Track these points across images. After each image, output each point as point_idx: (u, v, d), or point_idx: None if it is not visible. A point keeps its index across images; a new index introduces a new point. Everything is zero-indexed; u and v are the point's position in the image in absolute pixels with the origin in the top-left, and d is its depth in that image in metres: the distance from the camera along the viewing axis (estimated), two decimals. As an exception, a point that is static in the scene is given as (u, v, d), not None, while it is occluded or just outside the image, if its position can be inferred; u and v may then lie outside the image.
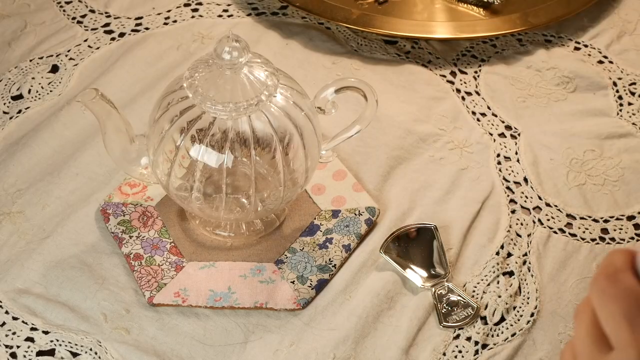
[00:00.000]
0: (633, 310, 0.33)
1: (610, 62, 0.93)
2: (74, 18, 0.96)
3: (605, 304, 0.35)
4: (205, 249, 0.72)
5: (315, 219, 0.75)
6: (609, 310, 0.34)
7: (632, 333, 0.33)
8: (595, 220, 0.77)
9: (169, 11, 0.98)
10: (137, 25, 0.96)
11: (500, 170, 0.81)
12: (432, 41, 0.94)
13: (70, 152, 0.81)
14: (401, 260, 0.71)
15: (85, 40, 0.93)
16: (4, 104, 0.86)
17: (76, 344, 0.67)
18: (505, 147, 0.83)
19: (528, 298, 0.71)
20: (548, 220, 0.77)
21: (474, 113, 0.87)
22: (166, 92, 0.68)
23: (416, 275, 0.71)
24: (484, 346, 0.68)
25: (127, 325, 0.68)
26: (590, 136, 0.84)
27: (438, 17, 0.95)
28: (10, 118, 0.84)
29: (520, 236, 0.75)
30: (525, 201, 0.78)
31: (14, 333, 0.67)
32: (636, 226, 0.77)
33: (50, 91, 0.87)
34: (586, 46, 0.95)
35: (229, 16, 0.97)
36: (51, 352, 0.66)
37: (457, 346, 0.68)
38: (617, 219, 0.78)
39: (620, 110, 0.88)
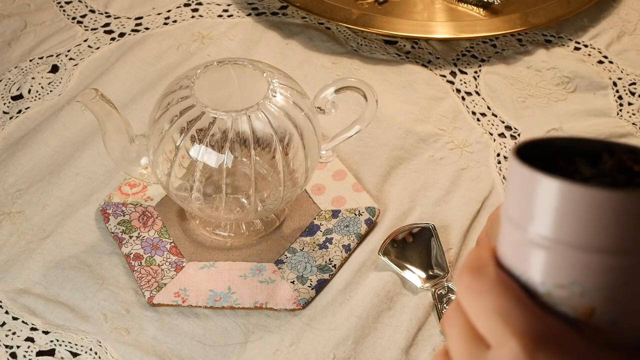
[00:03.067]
0: (504, 302, 0.32)
1: (610, 62, 0.93)
2: (74, 18, 0.96)
3: (474, 300, 0.33)
4: (205, 249, 0.72)
5: (315, 219, 0.75)
6: (479, 306, 0.33)
7: (507, 326, 0.31)
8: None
9: (169, 11, 0.98)
10: (137, 25, 0.96)
11: (500, 170, 0.81)
12: (432, 41, 0.94)
13: (70, 152, 0.81)
14: (400, 262, 0.71)
15: (85, 40, 0.93)
16: (4, 104, 0.86)
17: (76, 344, 0.67)
18: (505, 147, 0.83)
19: (528, 298, 0.71)
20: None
21: (474, 113, 0.87)
22: (166, 92, 0.68)
23: (415, 276, 0.71)
24: (484, 346, 0.68)
25: (127, 325, 0.68)
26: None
27: (438, 17, 0.95)
28: (10, 118, 0.84)
29: (520, 236, 0.75)
30: (525, 201, 0.78)
31: (14, 333, 0.67)
32: (636, 226, 0.77)
33: (50, 91, 0.87)
34: (586, 46, 0.95)
35: (229, 16, 0.97)
36: (51, 352, 0.66)
37: None
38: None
39: (620, 110, 0.88)
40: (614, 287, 0.32)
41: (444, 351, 0.36)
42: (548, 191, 0.31)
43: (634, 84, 0.91)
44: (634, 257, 0.31)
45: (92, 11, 0.97)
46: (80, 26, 0.95)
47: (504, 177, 0.81)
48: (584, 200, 0.31)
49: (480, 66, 0.92)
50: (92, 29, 0.95)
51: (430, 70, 0.91)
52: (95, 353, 0.66)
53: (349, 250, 0.73)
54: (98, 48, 0.92)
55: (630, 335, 0.33)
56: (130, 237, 0.73)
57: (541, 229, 0.32)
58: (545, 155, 0.35)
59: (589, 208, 0.31)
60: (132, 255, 0.72)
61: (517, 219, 0.33)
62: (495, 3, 0.95)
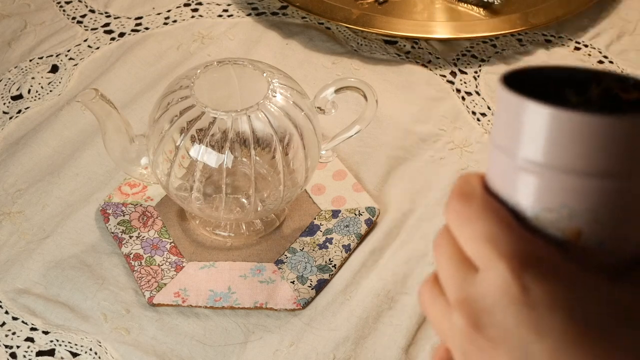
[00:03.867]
0: (492, 227, 0.33)
1: (611, 62, 0.93)
2: (73, 18, 0.96)
3: (463, 226, 0.33)
4: (205, 249, 0.72)
5: (315, 219, 0.75)
6: (468, 231, 0.33)
7: (495, 250, 0.32)
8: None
9: (169, 11, 0.98)
10: (137, 25, 0.96)
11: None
12: (432, 41, 0.94)
13: (70, 152, 0.81)
14: None
15: (85, 40, 0.93)
16: (4, 104, 0.86)
17: (76, 344, 0.67)
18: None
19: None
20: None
21: (474, 113, 0.87)
22: (166, 92, 0.68)
23: None
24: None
25: (127, 325, 0.68)
26: (591, 136, 0.84)
27: (438, 17, 0.95)
28: (10, 118, 0.84)
29: (520, 236, 0.75)
30: (525, 201, 0.78)
31: (13, 333, 0.67)
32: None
33: (50, 91, 0.87)
34: (586, 46, 0.95)
35: (229, 16, 0.97)
36: (51, 352, 0.66)
37: None
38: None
39: (621, 110, 0.88)
40: (601, 210, 0.32)
41: (433, 277, 0.36)
42: (536, 117, 0.32)
43: (634, 84, 0.90)
44: (621, 181, 0.32)
45: (92, 11, 0.97)
46: (80, 26, 0.95)
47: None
48: (572, 125, 0.31)
49: (480, 66, 0.92)
50: (92, 29, 0.95)
51: (430, 70, 0.91)
52: (95, 353, 0.66)
53: (349, 250, 0.73)
54: (98, 48, 0.92)
55: (618, 256, 0.34)
56: (130, 237, 0.73)
57: (529, 154, 0.33)
58: (532, 83, 0.35)
59: (577, 133, 0.31)
60: (132, 255, 0.72)
61: (505, 145, 0.34)
62: (495, 3, 0.95)
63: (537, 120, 0.32)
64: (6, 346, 0.66)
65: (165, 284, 0.70)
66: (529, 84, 0.35)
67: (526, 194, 0.34)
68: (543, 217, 0.33)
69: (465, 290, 0.33)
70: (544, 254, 0.32)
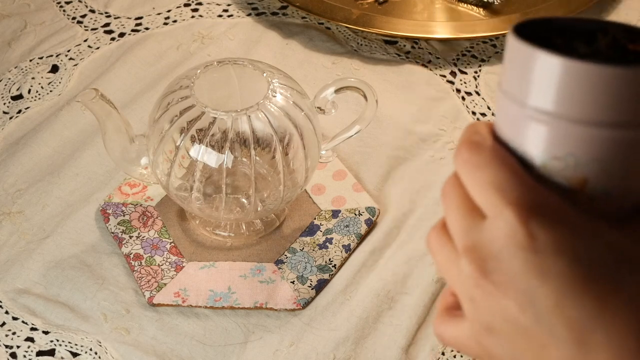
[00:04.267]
0: (500, 175, 0.33)
1: (611, 62, 0.93)
2: (73, 18, 0.96)
3: (471, 174, 0.34)
4: (205, 249, 0.72)
5: (315, 219, 0.75)
6: (477, 179, 0.34)
7: (502, 198, 0.33)
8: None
9: (169, 11, 0.98)
10: (137, 25, 0.96)
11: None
12: (432, 41, 0.94)
13: (70, 152, 0.81)
14: None
15: (85, 40, 0.93)
16: (4, 104, 0.86)
17: (76, 344, 0.67)
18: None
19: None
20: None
21: (474, 113, 0.87)
22: (166, 92, 0.68)
23: None
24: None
25: (127, 325, 0.68)
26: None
27: (438, 17, 0.95)
28: (10, 118, 0.84)
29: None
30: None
31: (13, 333, 0.67)
32: (636, 226, 0.77)
33: (50, 91, 0.87)
34: (586, 46, 0.95)
35: (229, 16, 0.97)
36: (51, 352, 0.66)
37: None
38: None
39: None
40: (607, 159, 0.33)
41: (441, 224, 0.37)
42: (546, 67, 0.33)
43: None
44: (628, 132, 0.33)
45: (92, 11, 0.97)
46: (80, 26, 0.95)
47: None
48: (581, 75, 0.32)
49: (480, 66, 0.92)
50: (92, 29, 0.95)
51: (430, 70, 0.91)
52: (95, 353, 0.66)
53: (349, 250, 0.73)
54: (98, 48, 0.92)
55: (621, 205, 0.34)
56: (130, 237, 0.73)
57: (539, 103, 0.33)
58: (542, 34, 0.36)
59: (585, 83, 0.32)
60: (132, 255, 0.72)
61: (515, 94, 0.34)
62: (496, 3, 0.95)
63: (547, 70, 0.33)
64: (6, 346, 0.66)
65: (165, 284, 0.70)
66: (538, 34, 0.35)
67: (534, 143, 0.34)
68: (550, 165, 0.34)
69: (473, 237, 0.34)
70: (549, 202, 0.33)
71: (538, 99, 0.34)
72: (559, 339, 0.32)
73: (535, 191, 0.33)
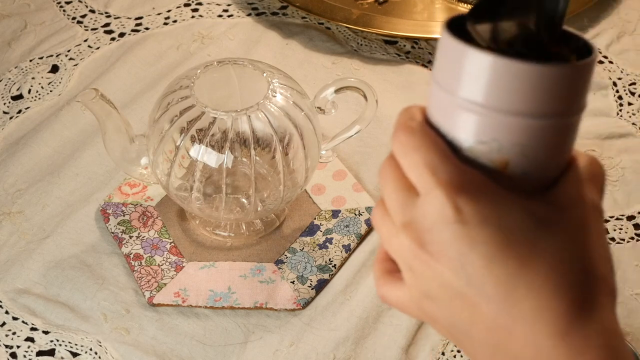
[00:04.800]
0: (431, 156, 0.38)
1: (610, 62, 0.93)
2: (74, 18, 0.96)
3: (406, 155, 0.38)
4: (205, 249, 0.72)
5: (315, 219, 0.75)
6: (412, 160, 0.38)
7: (433, 177, 0.37)
8: (595, 220, 0.77)
9: (169, 11, 0.98)
10: (137, 25, 0.96)
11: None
12: (432, 41, 0.94)
13: (70, 152, 0.81)
14: None
15: (85, 40, 0.93)
16: (4, 104, 0.86)
17: (76, 344, 0.67)
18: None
19: (528, 298, 0.71)
20: (548, 220, 0.77)
21: (474, 113, 0.87)
22: (166, 92, 0.68)
23: None
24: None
25: (127, 326, 0.68)
26: (590, 136, 0.84)
27: (438, 17, 0.95)
28: (10, 118, 0.84)
29: (520, 236, 0.75)
30: (525, 201, 0.78)
31: (14, 333, 0.67)
32: (636, 226, 0.77)
33: (50, 91, 0.87)
34: (586, 46, 0.95)
35: (229, 16, 0.97)
36: (51, 352, 0.66)
37: (455, 346, 0.68)
38: (617, 218, 0.78)
39: (620, 110, 0.88)
40: (526, 144, 0.38)
41: (381, 201, 0.41)
42: (474, 62, 0.37)
43: (634, 84, 0.91)
44: (545, 121, 0.37)
45: (92, 11, 0.97)
46: (80, 26, 0.95)
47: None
48: (504, 70, 0.36)
49: (480, 66, 0.92)
50: (92, 29, 0.95)
51: (430, 70, 0.91)
52: (95, 353, 0.66)
53: (349, 250, 0.73)
54: (98, 48, 0.92)
55: (539, 183, 0.39)
56: (130, 237, 0.73)
57: (467, 94, 0.37)
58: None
59: (508, 78, 0.36)
60: (132, 255, 0.72)
61: (446, 85, 0.38)
62: (495, 3, 0.95)
63: (474, 65, 0.37)
64: (6, 346, 0.66)
65: (165, 284, 0.70)
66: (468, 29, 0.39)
67: (462, 128, 0.38)
68: (476, 148, 0.38)
69: (409, 213, 0.38)
70: (474, 180, 0.37)
71: (466, 90, 0.37)
72: (488, 297, 0.36)
73: (461, 171, 0.37)
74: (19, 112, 0.85)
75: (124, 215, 0.74)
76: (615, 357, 0.36)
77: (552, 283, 0.36)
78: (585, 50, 0.39)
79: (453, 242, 0.36)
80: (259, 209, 0.69)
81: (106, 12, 0.97)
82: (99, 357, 0.66)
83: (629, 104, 0.89)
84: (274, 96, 0.66)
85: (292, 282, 0.70)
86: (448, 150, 0.38)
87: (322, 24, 0.96)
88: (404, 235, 0.38)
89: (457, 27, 0.38)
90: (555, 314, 0.36)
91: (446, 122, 0.39)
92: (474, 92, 0.37)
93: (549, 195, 0.38)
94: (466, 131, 0.38)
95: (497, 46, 0.38)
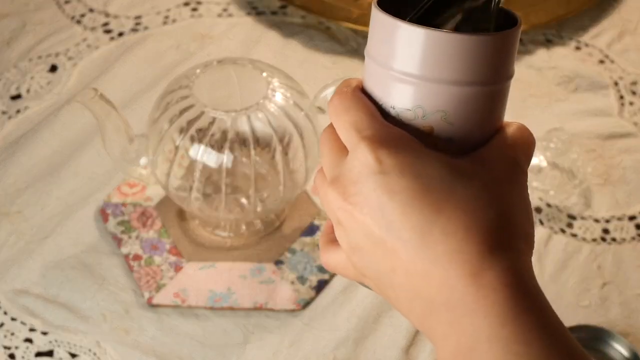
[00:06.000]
0: (359, 116, 0.40)
1: (612, 61, 0.93)
2: (73, 17, 0.96)
3: (338, 117, 0.41)
4: (205, 250, 0.72)
5: (315, 219, 0.75)
6: (342, 121, 0.41)
7: (358, 134, 0.39)
8: (596, 220, 0.77)
9: (168, 10, 0.97)
10: (136, 24, 0.95)
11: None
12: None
13: (70, 152, 0.81)
14: None
15: (85, 40, 0.93)
16: (3, 103, 0.86)
17: (75, 345, 0.66)
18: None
19: (529, 298, 0.71)
20: (549, 220, 0.77)
21: (474, 113, 0.86)
22: (165, 92, 0.68)
23: None
24: (485, 347, 0.68)
25: (126, 326, 0.68)
26: (591, 136, 0.84)
27: (438, 16, 0.94)
28: (9, 118, 0.84)
29: (520, 236, 0.75)
30: (526, 201, 0.78)
31: (12, 334, 0.67)
32: (637, 226, 0.77)
33: (50, 91, 0.87)
34: (587, 46, 0.95)
35: (228, 16, 0.97)
36: (50, 353, 0.66)
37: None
38: (618, 219, 0.77)
39: (622, 110, 0.88)
40: (448, 111, 0.40)
41: (320, 167, 0.43)
42: (399, 34, 0.39)
43: (635, 83, 0.90)
44: (466, 88, 0.39)
45: (92, 10, 0.97)
46: (80, 25, 0.95)
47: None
48: (428, 39, 0.38)
49: (480, 66, 0.92)
50: (91, 29, 0.95)
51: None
52: (95, 354, 0.66)
53: (349, 251, 0.72)
54: (97, 48, 0.92)
55: (463, 148, 0.41)
56: (130, 237, 0.73)
57: (393, 63, 0.40)
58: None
59: (432, 46, 0.38)
60: (131, 256, 0.71)
61: (374, 54, 0.41)
62: (496, 2, 0.95)
63: (399, 36, 0.39)
64: (5, 347, 0.66)
65: (164, 285, 0.69)
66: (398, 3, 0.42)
67: (389, 95, 0.41)
68: (403, 115, 0.41)
69: (337, 170, 0.40)
70: (397, 136, 0.39)
71: (391, 59, 0.40)
72: (406, 242, 0.38)
73: (385, 128, 0.40)
74: (18, 111, 0.85)
75: (123, 216, 0.74)
76: (524, 294, 0.37)
77: (465, 227, 0.37)
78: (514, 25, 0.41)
79: (374, 191, 0.38)
80: (258, 209, 0.69)
81: (105, 12, 0.97)
82: (98, 358, 0.66)
83: (630, 103, 0.88)
84: (274, 96, 0.66)
85: (292, 283, 0.70)
86: (376, 112, 0.41)
87: (322, 23, 0.96)
88: (331, 190, 0.40)
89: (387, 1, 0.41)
90: (467, 256, 0.37)
91: (375, 90, 0.42)
92: (399, 61, 0.40)
93: (471, 154, 0.41)
94: (393, 98, 0.41)
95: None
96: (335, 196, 0.40)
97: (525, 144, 0.42)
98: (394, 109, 0.41)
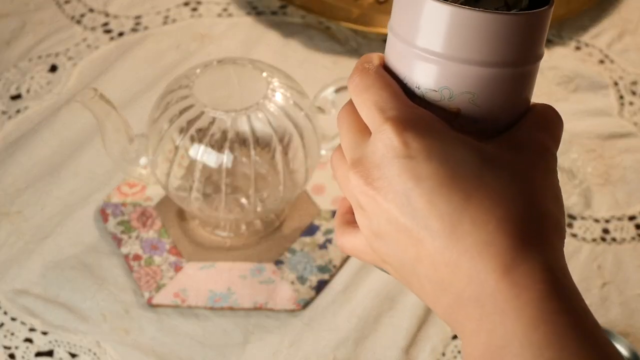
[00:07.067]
0: (383, 95, 0.38)
1: (612, 61, 0.93)
2: (73, 17, 0.96)
3: (359, 95, 0.39)
4: (205, 250, 0.72)
5: (315, 219, 0.75)
6: (364, 100, 0.39)
7: (382, 114, 0.38)
8: (596, 220, 0.77)
9: (168, 10, 0.97)
10: (136, 24, 0.95)
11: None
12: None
13: (70, 152, 0.81)
14: None
15: (85, 40, 0.93)
16: (3, 103, 0.86)
17: (75, 345, 0.66)
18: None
19: (529, 298, 0.71)
20: (549, 220, 0.77)
21: (474, 113, 0.86)
22: (165, 92, 0.68)
23: None
24: (485, 347, 0.68)
25: (126, 326, 0.68)
26: (592, 136, 0.84)
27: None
28: (9, 118, 0.84)
29: (521, 236, 0.75)
30: (526, 201, 0.78)
31: (12, 334, 0.67)
32: (637, 226, 0.77)
33: (50, 91, 0.87)
34: (587, 46, 0.95)
35: (228, 16, 0.97)
36: (50, 353, 0.66)
37: (456, 346, 0.67)
38: (618, 219, 0.77)
39: (622, 110, 0.88)
40: (475, 92, 0.39)
41: (338, 147, 0.42)
42: (428, 11, 0.38)
43: (635, 83, 0.90)
44: (494, 69, 0.38)
45: (91, 10, 0.97)
46: (80, 25, 0.95)
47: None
48: (457, 18, 0.37)
49: (480, 66, 0.92)
50: (91, 28, 0.95)
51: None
52: (94, 354, 0.66)
53: (349, 251, 0.72)
54: (97, 47, 0.92)
55: (489, 132, 0.39)
56: (130, 237, 0.73)
57: (420, 42, 0.38)
58: None
59: (461, 26, 0.37)
60: (131, 256, 0.71)
61: (402, 34, 0.39)
62: (496, 2, 0.95)
63: (428, 14, 0.38)
64: (5, 347, 0.66)
65: (164, 285, 0.69)
66: None
67: (415, 75, 0.39)
68: (428, 95, 0.39)
69: (359, 152, 0.39)
70: (423, 117, 0.38)
71: (419, 38, 0.38)
72: (433, 232, 0.36)
73: (411, 109, 0.38)
74: (18, 111, 0.85)
75: (123, 216, 0.74)
76: (558, 293, 0.35)
77: (496, 218, 0.36)
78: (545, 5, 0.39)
79: (399, 176, 0.36)
80: (258, 209, 0.69)
81: (105, 12, 0.97)
82: (98, 358, 0.66)
83: (630, 103, 0.88)
84: (274, 96, 0.66)
85: (292, 283, 0.70)
86: (400, 90, 0.39)
87: (322, 23, 0.96)
88: (353, 173, 0.38)
89: None
90: (499, 249, 0.35)
91: (400, 68, 0.40)
92: (425, 39, 0.38)
93: (499, 138, 0.39)
94: (418, 78, 0.39)
95: None
96: (357, 179, 0.38)
97: (553, 127, 0.41)
98: (418, 88, 0.39)
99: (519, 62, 0.38)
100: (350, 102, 0.40)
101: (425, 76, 0.39)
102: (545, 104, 0.41)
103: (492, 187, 0.36)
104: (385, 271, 0.42)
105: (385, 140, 0.37)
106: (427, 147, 0.36)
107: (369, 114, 0.38)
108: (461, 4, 0.39)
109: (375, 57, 0.41)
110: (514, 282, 0.35)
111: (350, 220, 0.43)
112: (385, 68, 0.41)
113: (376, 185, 0.37)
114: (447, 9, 0.37)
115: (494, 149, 0.38)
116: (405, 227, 0.37)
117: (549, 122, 0.41)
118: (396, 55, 0.40)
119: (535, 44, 0.39)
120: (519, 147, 0.38)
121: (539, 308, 0.35)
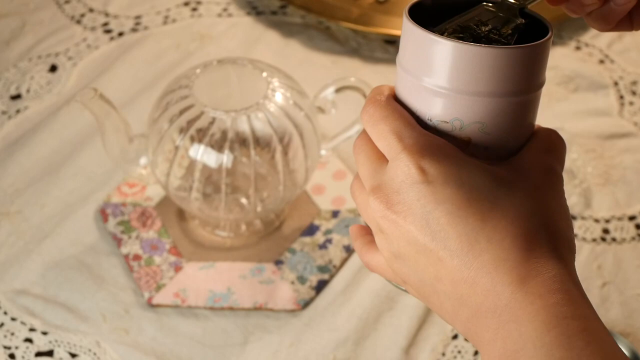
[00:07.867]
0: (398, 124, 0.41)
1: (612, 61, 0.93)
2: (73, 17, 0.96)
3: (375, 125, 0.41)
4: (205, 250, 0.72)
5: (315, 219, 0.75)
6: (379, 130, 0.41)
7: (399, 143, 0.40)
8: (596, 220, 0.77)
9: (168, 10, 0.97)
10: (136, 24, 0.95)
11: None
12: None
13: (69, 152, 0.81)
14: None
15: (84, 40, 0.93)
16: (3, 103, 0.86)
17: (75, 345, 0.66)
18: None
19: (529, 299, 0.71)
20: (549, 220, 0.77)
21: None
22: (165, 92, 0.68)
23: None
24: (485, 347, 0.68)
25: (126, 326, 0.68)
26: (592, 136, 0.84)
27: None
28: (9, 118, 0.84)
29: (521, 236, 0.75)
30: (526, 201, 0.78)
31: (12, 334, 0.67)
32: (637, 226, 0.77)
33: (49, 91, 0.87)
34: (587, 46, 0.95)
35: (228, 15, 0.97)
36: (50, 353, 0.66)
37: (456, 346, 0.67)
38: (619, 219, 0.77)
39: (622, 110, 0.88)
40: (485, 122, 0.41)
41: (356, 175, 0.44)
42: (437, 48, 0.39)
43: (635, 83, 0.90)
44: (502, 99, 0.40)
45: (91, 10, 0.97)
46: (79, 25, 0.95)
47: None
48: (465, 54, 0.39)
49: (480, 66, 0.92)
50: (91, 28, 0.95)
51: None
52: (94, 354, 0.66)
53: (349, 251, 0.72)
54: (97, 47, 0.92)
55: (499, 156, 0.42)
56: (130, 237, 0.73)
57: (431, 78, 0.40)
58: (435, 12, 0.43)
59: (469, 61, 0.39)
60: (131, 256, 0.71)
61: (411, 70, 0.41)
62: (496, 2, 0.95)
63: (437, 51, 0.39)
64: (5, 347, 0.66)
65: (164, 285, 0.69)
66: (430, 13, 0.42)
67: (426, 108, 0.41)
68: (440, 127, 0.41)
69: (378, 179, 0.41)
70: (438, 144, 0.40)
71: (428, 74, 0.40)
72: (452, 251, 0.39)
73: (425, 137, 0.40)
74: (18, 111, 0.85)
75: (123, 216, 0.74)
76: (569, 301, 0.38)
77: (511, 235, 0.38)
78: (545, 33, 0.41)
79: (418, 200, 0.39)
80: (258, 209, 0.69)
81: (105, 12, 0.97)
82: (98, 358, 0.66)
83: (630, 103, 0.88)
84: (274, 96, 0.66)
85: (292, 283, 0.70)
86: (413, 121, 0.41)
87: (322, 23, 0.96)
88: (373, 199, 0.41)
89: (419, 13, 0.42)
90: (514, 263, 0.38)
91: (411, 101, 0.42)
92: (435, 75, 0.40)
93: (509, 161, 0.42)
94: (430, 110, 0.41)
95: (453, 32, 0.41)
96: (377, 204, 0.40)
97: (558, 149, 0.43)
98: (430, 120, 0.41)
99: (526, 90, 0.41)
100: (365, 133, 0.43)
101: (436, 109, 0.41)
102: (549, 128, 0.44)
103: (506, 208, 0.39)
104: (404, 290, 0.44)
105: (403, 167, 0.39)
106: (444, 172, 0.39)
107: (386, 142, 0.41)
108: (452, 31, 0.41)
109: (386, 89, 0.43)
110: (529, 292, 0.38)
111: (370, 241, 0.45)
112: (396, 99, 0.43)
113: (396, 210, 0.40)
114: (454, 47, 0.39)
115: (505, 172, 0.40)
116: (425, 247, 0.39)
117: (553, 145, 0.43)
118: (407, 89, 0.42)
119: (540, 71, 0.41)
120: (528, 170, 0.41)
121: (551, 313, 0.37)
